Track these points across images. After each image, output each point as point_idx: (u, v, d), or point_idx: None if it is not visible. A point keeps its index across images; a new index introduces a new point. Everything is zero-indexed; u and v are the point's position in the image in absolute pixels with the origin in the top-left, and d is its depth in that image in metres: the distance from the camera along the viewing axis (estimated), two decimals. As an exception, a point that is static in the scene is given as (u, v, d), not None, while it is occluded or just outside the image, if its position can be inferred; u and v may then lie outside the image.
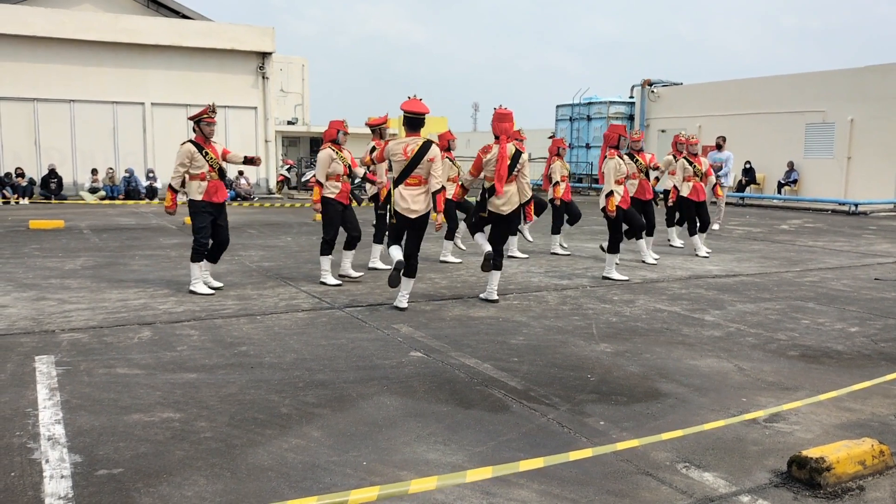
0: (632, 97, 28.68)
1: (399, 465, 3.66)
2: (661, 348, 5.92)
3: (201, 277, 8.01)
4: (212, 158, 7.79)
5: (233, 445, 3.87)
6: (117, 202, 21.41)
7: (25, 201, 20.45)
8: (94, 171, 22.07)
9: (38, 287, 8.16)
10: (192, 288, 7.91)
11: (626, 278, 8.94)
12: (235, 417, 4.27)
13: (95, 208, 19.51)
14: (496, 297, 7.65)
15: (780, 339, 6.24)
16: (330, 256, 8.47)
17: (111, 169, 22.54)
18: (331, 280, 8.45)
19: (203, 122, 7.81)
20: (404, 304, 7.23)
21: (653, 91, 27.68)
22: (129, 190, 22.08)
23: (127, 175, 22.13)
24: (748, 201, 23.28)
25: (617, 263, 9.07)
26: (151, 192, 22.25)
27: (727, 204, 18.09)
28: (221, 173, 7.90)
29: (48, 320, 6.60)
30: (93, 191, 21.83)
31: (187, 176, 7.85)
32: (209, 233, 7.89)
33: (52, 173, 21.56)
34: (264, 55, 24.85)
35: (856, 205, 20.38)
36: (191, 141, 7.85)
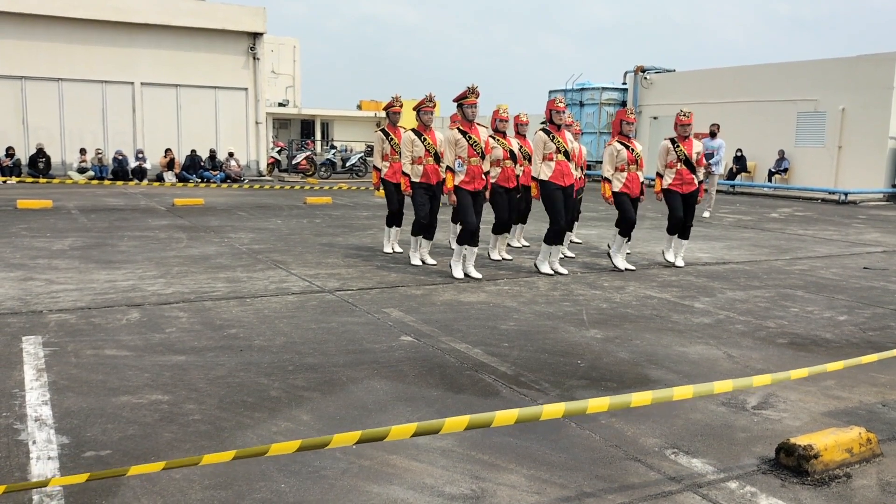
0: (624, 83, 28.60)
1: (389, 449, 3.65)
2: (651, 335, 5.93)
3: (419, 251, 8.94)
4: (429, 144, 8.59)
5: (221, 428, 3.85)
6: (106, 182, 21.25)
7: (13, 180, 20.28)
8: (83, 151, 21.89)
9: (25, 267, 8.10)
10: (412, 261, 8.94)
11: (623, 268, 8.77)
12: (224, 400, 4.25)
13: (84, 188, 19.36)
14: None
15: (770, 327, 6.27)
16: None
17: (100, 149, 22.35)
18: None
19: (421, 111, 8.65)
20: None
21: (645, 78, 27.62)
22: (118, 170, 21.90)
23: (119, 158, 21.95)
24: (739, 189, 23.33)
25: (629, 252, 8.91)
26: (140, 173, 22.08)
27: (718, 192, 18.12)
28: (437, 158, 8.66)
29: (35, 300, 6.55)
30: (81, 171, 21.66)
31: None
32: (427, 209, 8.69)
33: (41, 153, 21.38)
34: (255, 35, 24.63)
35: (846, 194, 20.45)
36: (412, 129, 8.74)
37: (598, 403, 3.19)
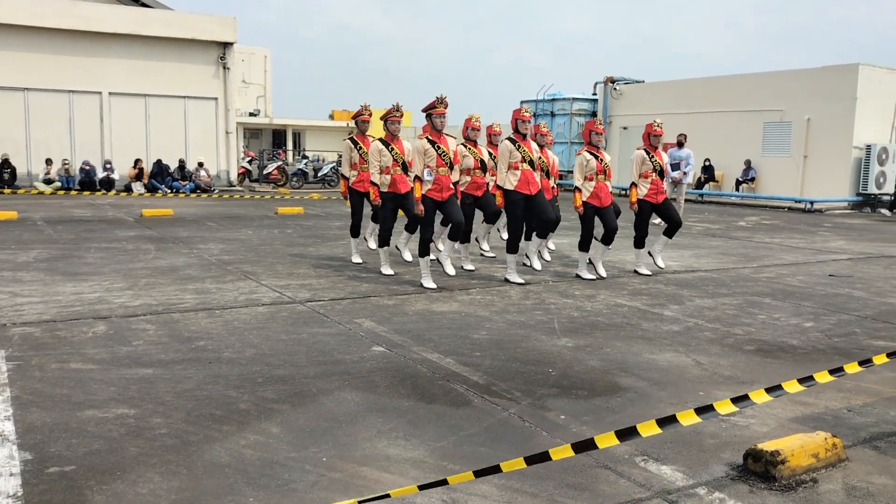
0: (595, 94, 28.88)
1: (359, 460, 3.63)
2: (621, 343, 5.97)
3: (388, 261, 8.95)
4: (397, 154, 8.56)
5: (189, 442, 3.80)
6: (73, 193, 20.95)
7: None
8: (49, 162, 21.56)
9: (-12, 280, 7.94)
10: (382, 270, 8.89)
11: (594, 277, 8.87)
12: (192, 413, 4.19)
13: (50, 199, 19.06)
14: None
15: (737, 334, 6.34)
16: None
17: (66, 160, 22.02)
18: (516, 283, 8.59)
19: (388, 120, 8.59)
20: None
21: (615, 88, 27.90)
22: (85, 181, 21.59)
23: (87, 168, 21.65)
24: (707, 198, 23.61)
25: (590, 262, 9.02)
26: (108, 184, 21.80)
27: (687, 201, 18.33)
28: (404, 168, 8.59)
29: (-1, 314, 6.42)
30: (47, 182, 21.33)
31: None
32: (392, 222, 8.74)
33: (6, 163, 21.01)
34: (225, 45, 24.48)
35: (811, 202, 20.80)
36: (380, 139, 8.65)
37: (605, 439, 3.16)
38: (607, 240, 8.87)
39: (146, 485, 3.31)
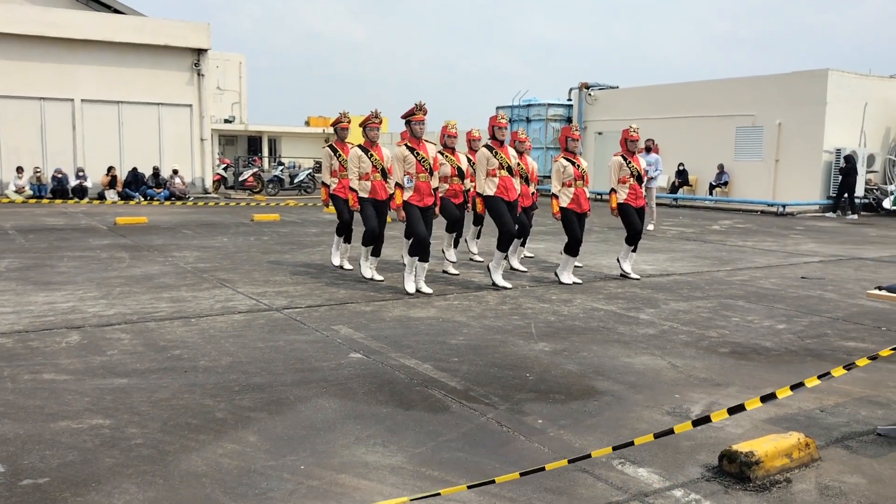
0: (570, 99, 29.07)
1: (337, 468, 3.62)
2: (598, 346, 6.01)
3: (367, 264, 8.96)
4: (376, 160, 8.56)
5: (165, 452, 3.77)
6: (45, 201, 20.68)
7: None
8: (20, 170, 21.27)
9: (-42, 290, 7.81)
10: (362, 273, 8.98)
11: (571, 282, 8.87)
12: (168, 423, 4.16)
13: (21, 208, 18.80)
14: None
15: (712, 337, 6.41)
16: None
17: (38, 168, 21.73)
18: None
19: (367, 127, 8.64)
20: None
21: (590, 94, 28.10)
22: (58, 189, 21.32)
23: (59, 176, 21.38)
24: (681, 202, 23.84)
25: (577, 266, 9.04)
26: (81, 192, 21.54)
27: (661, 205, 18.50)
28: (384, 174, 8.63)
29: (-31, 325, 6.33)
30: (18, 190, 21.03)
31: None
32: (376, 221, 8.66)
33: (-25, 171, 20.69)
34: (199, 52, 24.33)
35: (783, 206, 21.07)
36: (358, 145, 8.70)
37: (600, 452, 3.18)
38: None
39: (122, 496, 3.28)
